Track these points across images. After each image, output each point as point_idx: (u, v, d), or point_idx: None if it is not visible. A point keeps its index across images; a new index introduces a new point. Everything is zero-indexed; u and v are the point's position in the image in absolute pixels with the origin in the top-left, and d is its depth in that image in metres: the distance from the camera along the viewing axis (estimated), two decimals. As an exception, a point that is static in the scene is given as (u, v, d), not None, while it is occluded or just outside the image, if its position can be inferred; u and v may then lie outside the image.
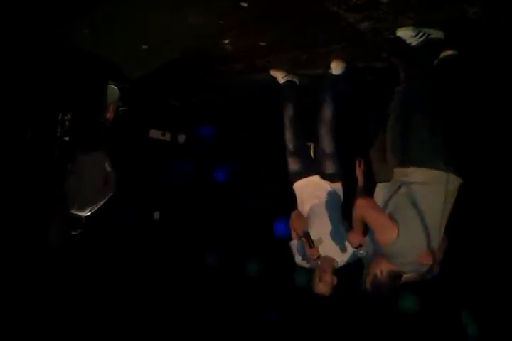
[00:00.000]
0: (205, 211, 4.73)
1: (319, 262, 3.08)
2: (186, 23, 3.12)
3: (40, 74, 3.63)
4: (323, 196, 3.34)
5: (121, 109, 4.22)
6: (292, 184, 3.50)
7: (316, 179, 3.43)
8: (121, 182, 4.05)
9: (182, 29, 3.23)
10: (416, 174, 2.57)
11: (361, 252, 2.68)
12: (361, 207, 2.62)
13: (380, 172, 3.20)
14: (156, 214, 4.89)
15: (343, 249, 3.12)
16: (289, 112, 3.61)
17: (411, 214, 2.48)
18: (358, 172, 3.37)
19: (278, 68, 3.68)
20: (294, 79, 3.70)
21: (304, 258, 3.20)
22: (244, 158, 4.51)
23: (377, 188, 3.18)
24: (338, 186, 3.41)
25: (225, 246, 4.46)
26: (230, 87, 4.09)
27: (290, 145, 3.55)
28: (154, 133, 4.72)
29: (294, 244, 3.27)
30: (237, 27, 3.14)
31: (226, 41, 3.34)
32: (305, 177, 3.46)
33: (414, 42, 2.88)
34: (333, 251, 3.11)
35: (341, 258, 3.13)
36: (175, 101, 4.53)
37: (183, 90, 4.34)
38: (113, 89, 4.05)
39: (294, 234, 3.27)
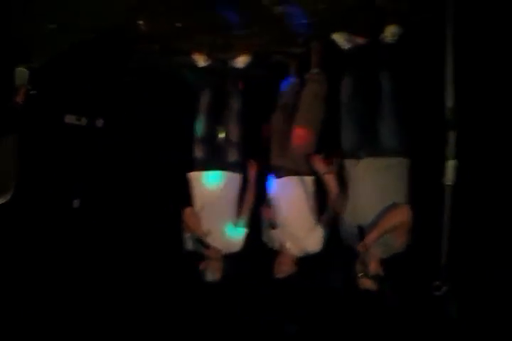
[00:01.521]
0: (128, 198, 4.60)
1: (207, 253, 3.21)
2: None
3: None
4: (219, 188, 3.40)
5: (31, 92, 3.99)
6: (191, 171, 3.49)
7: (215, 173, 3.45)
8: (36, 171, 3.88)
9: (93, 7, 3.08)
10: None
11: None
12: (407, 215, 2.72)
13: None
14: (76, 202, 4.70)
15: (230, 240, 3.33)
16: (205, 98, 3.58)
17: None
18: (251, 174, 3.53)
19: (200, 52, 3.61)
20: (215, 64, 3.67)
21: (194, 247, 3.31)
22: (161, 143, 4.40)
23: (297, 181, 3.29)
24: (236, 178, 3.49)
25: (149, 234, 4.38)
26: (146, 70, 3.96)
27: (200, 132, 3.53)
28: (69, 118, 4.49)
29: (187, 235, 3.33)
30: (151, 7, 3.04)
31: (141, 22, 3.22)
32: (206, 169, 3.46)
33: (346, 46, 3.11)
34: (221, 242, 3.27)
35: (228, 249, 3.31)
36: (90, 83, 4.33)
37: (98, 72, 4.16)
38: (22, 72, 3.81)
39: (186, 229, 3.31)
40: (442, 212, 2.55)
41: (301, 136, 3.31)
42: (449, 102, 2.47)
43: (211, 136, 3.55)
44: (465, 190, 2.60)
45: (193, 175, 3.48)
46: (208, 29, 3.24)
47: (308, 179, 3.31)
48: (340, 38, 3.11)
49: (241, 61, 3.56)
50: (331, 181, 3.02)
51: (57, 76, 4.15)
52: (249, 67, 3.58)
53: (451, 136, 2.45)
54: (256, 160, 3.60)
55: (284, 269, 3.22)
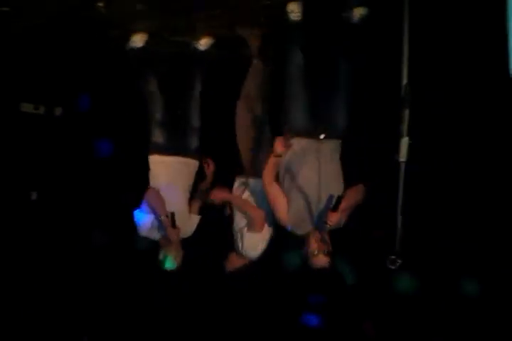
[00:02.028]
0: (87, 188, 4.53)
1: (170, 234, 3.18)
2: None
3: None
4: (177, 172, 3.42)
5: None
6: (150, 155, 3.46)
7: (174, 158, 3.43)
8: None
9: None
10: None
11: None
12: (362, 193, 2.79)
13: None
14: (34, 195, 4.60)
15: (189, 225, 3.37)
16: (165, 81, 3.55)
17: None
18: (208, 171, 3.57)
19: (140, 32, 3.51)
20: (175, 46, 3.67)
21: (153, 230, 3.30)
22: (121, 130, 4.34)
23: None
24: (193, 164, 3.51)
25: (109, 224, 4.31)
26: (106, 55, 3.90)
27: (159, 117, 3.49)
28: (26, 107, 4.39)
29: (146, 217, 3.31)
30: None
31: (100, 4, 3.18)
32: (166, 154, 3.43)
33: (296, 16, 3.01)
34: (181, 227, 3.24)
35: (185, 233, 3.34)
36: (46, 70, 4.24)
37: (54, 58, 4.08)
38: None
39: (147, 209, 3.29)
40: (396, 188, 2.61)
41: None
42: (404, 80, 2.54)
43: (171, 121, 3.50)
44: (418, 167, 2.68)
45: (152, 158, 3.45)
46: (169, 11, 3.22)
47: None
48: (295, 8, 3.02)
49: (203, 43, 3.54)
50: (275, 165, 2.93)
51: (12, 62, 4.07)
52: (211, 49, 3.56)
53: (405, 114, 2.52)
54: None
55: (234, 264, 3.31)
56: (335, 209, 2.66)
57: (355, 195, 2.82)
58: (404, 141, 2.56)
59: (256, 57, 3.45)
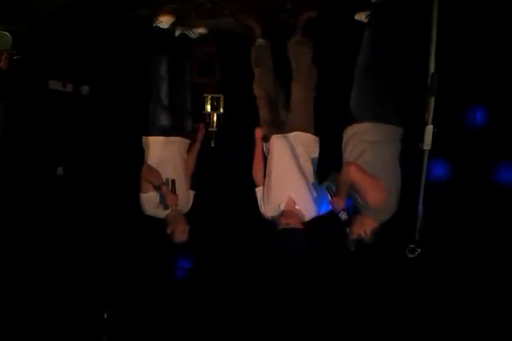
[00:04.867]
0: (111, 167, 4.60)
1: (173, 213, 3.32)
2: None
3: None
4: (175, 151, 3.57)
5: (15, 57, 3.95)
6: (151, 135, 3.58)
7: (174, 138, 3.59)
8: (20, 138, 3.85)
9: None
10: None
11: (344, 216, 2.77)
12: (355, 172, 2.72)
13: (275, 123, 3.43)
14: (60, 170, 4.69)
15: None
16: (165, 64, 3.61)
17: (389, 173, 2.76)
18: (199, 135, 3.81)
19: (168, 13, 3.59)
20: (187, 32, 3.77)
21: (160, 206, 3.41)
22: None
23: (274, 140, 3.36)
24: (186, 143, 3.69)
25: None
26: (135, 36, 3.92)
27: (165, 100, 3.60)
28: (54, 84, 4.45)
29: (147, 196, 3.42)
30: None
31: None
32: (166, 135, 3.56)
33: None
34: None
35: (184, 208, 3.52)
36: (76, 49, 4.28)
37: (85, 37, 4.11)
38: (5, 36, 3.77)
39: (147, 187, 3.39)
40: (419, 176, 2.60)
41: (302, 93, 3.39)
42: (431, 69, 2.50)
43: (170, 103, 3.61)
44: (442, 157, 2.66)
45: (150, 139, 3.57)
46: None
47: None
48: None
49: (164, 21, 3.56)
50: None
51: (41, 41, 4.12)
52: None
53: (431, 102, 2.50)
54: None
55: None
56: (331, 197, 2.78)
57: (340, 177, 2.82)
58: (429, 129, 2.54)
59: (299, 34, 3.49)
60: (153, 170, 3.39)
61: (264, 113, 3.51)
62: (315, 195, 3.20)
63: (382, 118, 2.87)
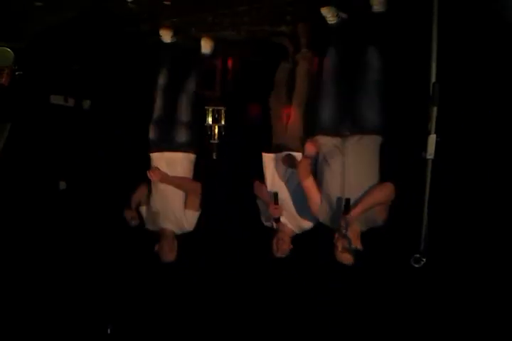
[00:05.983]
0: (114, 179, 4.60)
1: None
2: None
3: None
4: (173, 170, 3.51)
5: (17, 73, 3.97)
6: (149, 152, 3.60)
7: (169, 154, 3.55)
8: (22, 152, 3.83)
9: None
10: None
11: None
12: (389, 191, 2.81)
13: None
14: (62, 184, 4.69)
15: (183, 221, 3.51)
16: (163, 77, 3.63)
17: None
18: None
19: (167, 28, 3.61)
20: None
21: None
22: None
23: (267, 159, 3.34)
24: (187, 157, 3.60)
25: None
26: (135, 50, 3.95)
27: (157, 113, 3.60)
28: (56, 99, 4.47)
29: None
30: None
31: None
32: (159, 150, 3.55)
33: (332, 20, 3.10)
34: (173, 223, 3.50)
35: (181, 229, 3.54)
36: (76, 64, 4.30)
37: (85, 52, 4.14)
38: (6, 52, 3.79)
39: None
40: (423, 186, 2.60)
41: (297, 114, 3.35)
42: (433, 78, 2.52)
43: (164, 117, 3.60)
44: (445, 165, 2.66)
45: (151, 156, 3.60)
46: (197, 7, 3.26)
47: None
48: (327, 13, 3.10)
49: (206, 45, 3.60)
50: (308, 164, 3.00)
51: (43, 56, 4.14)
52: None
53: (433, 111, 2.51)
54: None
55: (283, 247, 3.25)
56: (346, 212, 2.70)
57: (378, 193, 2.80)
58: (432, 138, 2.55)
59: (304, 49, 3.48)
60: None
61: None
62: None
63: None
